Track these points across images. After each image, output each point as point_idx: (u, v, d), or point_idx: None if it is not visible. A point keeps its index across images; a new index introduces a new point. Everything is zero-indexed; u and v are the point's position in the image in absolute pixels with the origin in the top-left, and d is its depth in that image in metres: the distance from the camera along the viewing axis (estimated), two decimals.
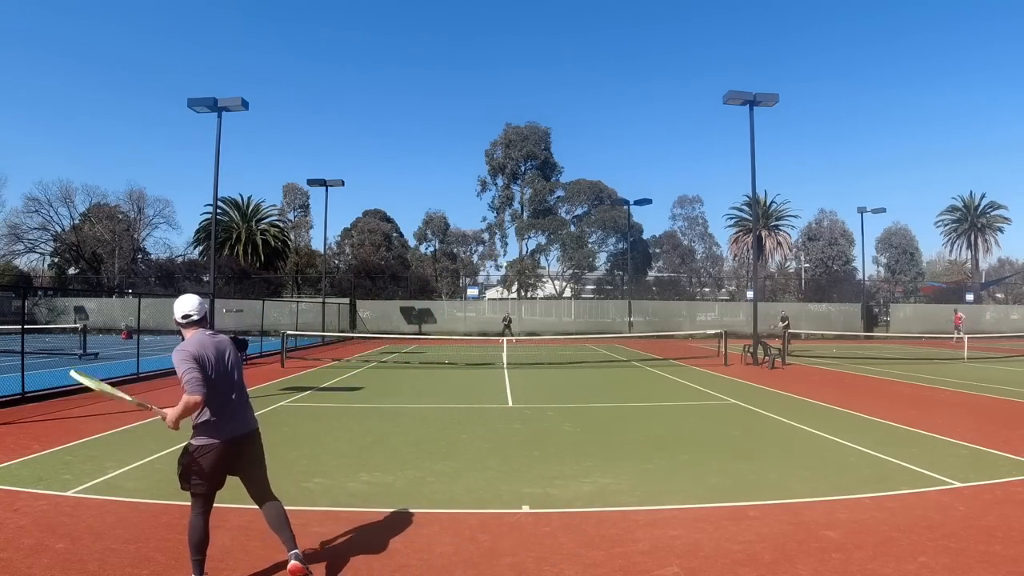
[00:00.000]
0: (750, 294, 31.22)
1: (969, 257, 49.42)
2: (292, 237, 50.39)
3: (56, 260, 47.04)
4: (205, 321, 3.45)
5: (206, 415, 3.23)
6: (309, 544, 3.83)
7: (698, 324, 35.06)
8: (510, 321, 30.34)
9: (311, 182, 30.38)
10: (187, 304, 3.38)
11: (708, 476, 5.53)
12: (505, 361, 16.64)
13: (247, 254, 42.24)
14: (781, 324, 20.80)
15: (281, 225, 48.28)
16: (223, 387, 3.28)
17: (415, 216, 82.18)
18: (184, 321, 3.37)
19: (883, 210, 35.01)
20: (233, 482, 5.31)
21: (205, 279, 36.92)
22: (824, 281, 46.36)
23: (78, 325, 23.76)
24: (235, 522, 4.26)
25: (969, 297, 39.27)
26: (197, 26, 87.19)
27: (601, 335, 29.87)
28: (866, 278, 41.96)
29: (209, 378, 3.20)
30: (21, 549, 3.73)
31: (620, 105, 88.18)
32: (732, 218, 48.59)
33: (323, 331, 26.82)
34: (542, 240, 50.55)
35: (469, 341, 28.25)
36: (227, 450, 3.26)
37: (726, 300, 45.07)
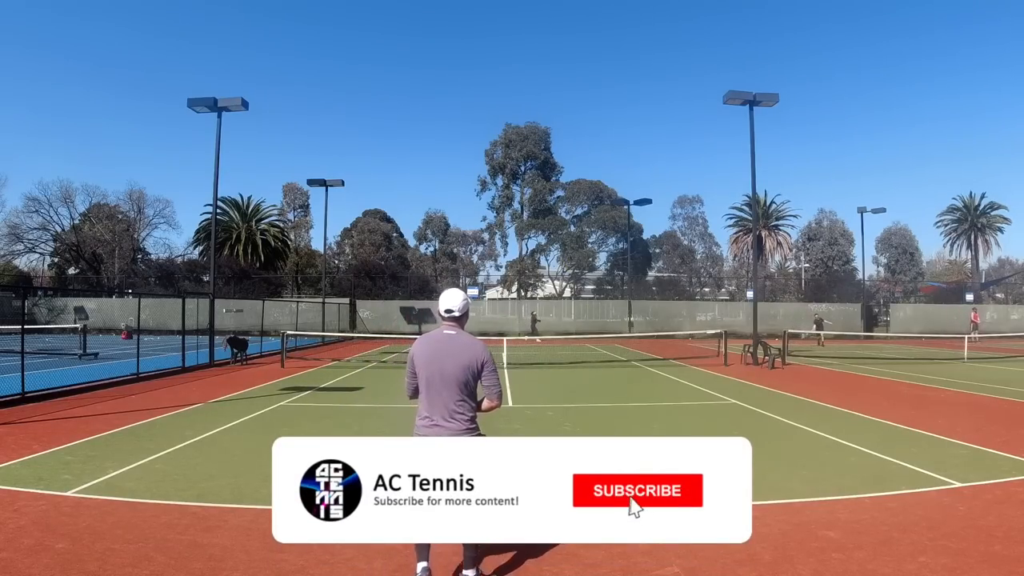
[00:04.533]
0: (750, 294, 31.20)
1: (969, 257, 49.42)
2: (292, 237, 50.38)
3: (56, 260, 47.02)
4: (463, 318, 3.34)
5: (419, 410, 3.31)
6: (307, 546, 3.82)
7: (698, 324, 35.04)
8: (536, 320, 31.42)
9: (311, 182, 30.40)
10: (444, 299, 3.34)
11: None
12: (505, 361, 16.63)
13: (247, 254, 42.21)
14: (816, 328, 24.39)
15: (281, 225, 48.26)
16: (428, 389, 3.25)
17: (415, 216, 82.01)
18: (446, 315, 3.32)
19: (883, 210, 35.04)
20: (234, 482, 5.33)
21: (205, 279, 36.93)
22: (824, 281, 46.36)
23: (78, 325, 23.74)
24: (235, 522, 4.25)
25: (969, 297, 39.25)
26: (197, 25, 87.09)
27: (601, 335, 29.87)
28: (866, 278, 41.98)
29: (414, 376, 3.31)
30: (21, 549, 3.73)
31: (620, 105, 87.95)
32: (732, 218, 48.62)
33: (323, 331, 26.81)
34: (542, 240, 50.57)
35: None
36: None
37: (726, 300, 45.06)
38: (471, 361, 3.21)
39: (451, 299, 3.32)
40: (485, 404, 3.36)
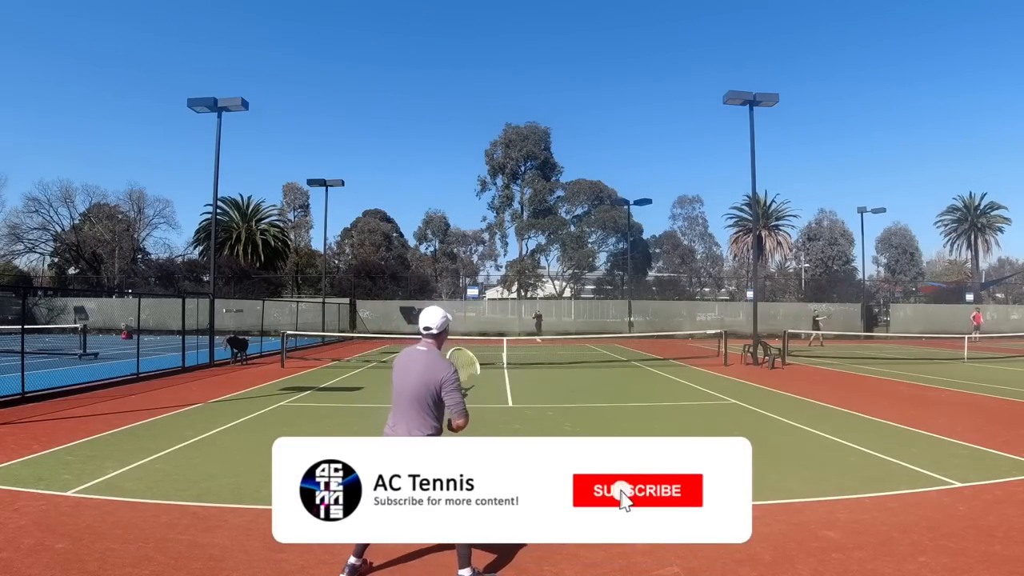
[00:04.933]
0: (750, 294, 31.22)
1: (969, 257, 49.38)
2: (292, 237, 50.36)
3: (56, 260, 47.01)
4: (440, 336, 3.51)
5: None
6: (307, 546, 3.82)
7: (698, 324, 35.02)
8: (540, 319, 31.74)
9: (311, 182, 30.40)
10: (423, 317, 3.52)
11: None
12: (505, 361, 16.63)
13: (247, 254, 42.20)
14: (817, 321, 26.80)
15: (281, 225, 48.22)
16: (394, 400, 3.46)
17: (415, 216, 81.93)
18: (424, 332, 3.49)
19: (883, 210, 35.03)
20: (234, 482, 5.33)
21: (205, 279, 36.93)
22: (824, 281, 46.37)
23: (78, 325, 23.76)
24: (235, 522, 4.25)
25: (969, 297, 39.27)
26: (197, 25, 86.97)
27: (601, 335, 29.87)
28: (866, 278, 41.97)
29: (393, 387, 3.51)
30: (21, 549, 3.73)
31: (620, 105, 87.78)
32: (732, 218, 48.56)
33: (323, 331, 26.81)
34: (542, 240, 50.57)
35: (469, 341, 28.21)
36: None
37: (726, 300, 45.06)
38: (430, 379, 3.31)
39: (429, 317, 3.49)
40: (453, 424, 3.40)
